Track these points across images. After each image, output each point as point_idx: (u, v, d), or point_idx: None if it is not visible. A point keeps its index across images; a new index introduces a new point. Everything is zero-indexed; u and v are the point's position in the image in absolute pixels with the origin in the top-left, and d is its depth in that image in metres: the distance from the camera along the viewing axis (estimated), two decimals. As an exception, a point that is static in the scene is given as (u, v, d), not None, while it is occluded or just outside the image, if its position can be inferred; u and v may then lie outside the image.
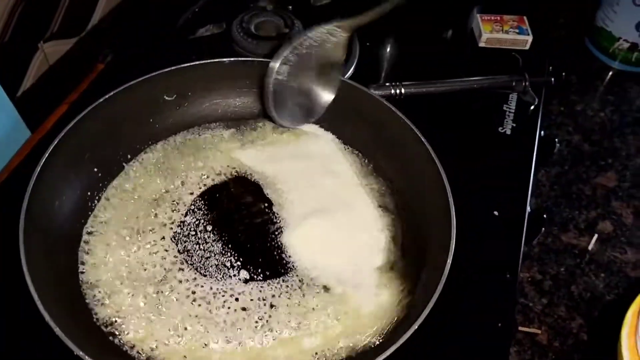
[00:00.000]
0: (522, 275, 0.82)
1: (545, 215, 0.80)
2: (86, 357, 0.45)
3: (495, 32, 0.94)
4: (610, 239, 0.86)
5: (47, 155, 0.58)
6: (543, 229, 0.79)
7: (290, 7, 0.95)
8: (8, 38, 0.86)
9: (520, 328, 0.76)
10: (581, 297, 0.80)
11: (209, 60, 0.68)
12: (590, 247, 0.85)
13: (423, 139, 0.63)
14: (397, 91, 0.81)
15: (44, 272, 0.52)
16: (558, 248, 0.85)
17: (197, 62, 0.67)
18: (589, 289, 0.81)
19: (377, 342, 0.54)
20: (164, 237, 0.61)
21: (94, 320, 0.54)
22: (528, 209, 0.74)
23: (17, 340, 0.55)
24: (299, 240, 0.61)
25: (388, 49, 0.96)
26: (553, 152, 0.88)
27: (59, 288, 0.54)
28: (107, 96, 0.63)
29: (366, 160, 0.70)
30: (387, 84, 0.82)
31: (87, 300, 0.55)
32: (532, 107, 0.83)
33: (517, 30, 0.94)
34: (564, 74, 0.93)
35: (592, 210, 0.90)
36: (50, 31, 0.95)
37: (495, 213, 0.72)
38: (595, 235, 0.86)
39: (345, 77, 0.85)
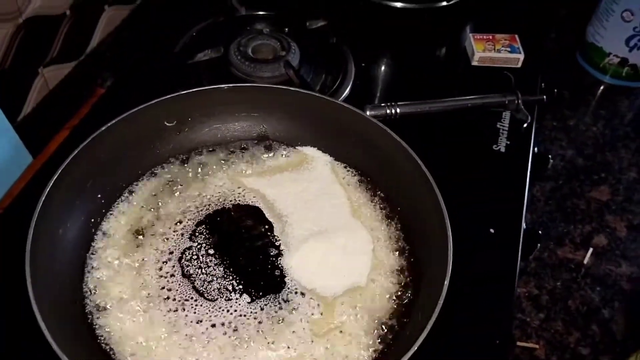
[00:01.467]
0: (519, 290, 0.83)
1: (540, 232, 0.82)
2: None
3: (488, 51, 0.96)
4: (605, 253, 0.88)
5: (51, 183, 0.59)
6: (539, 245, 0.80)
7: (287, 29, 0.97)
8: (9, 65, 0.87)
9: (518, 343, 0.77)
10: (578, 311, 0.82)
11: (207, 87, 0.69)
12: (585, 261, 0.86)
13: (417, 159, 0.64)
14: (393, 111, 0.83)
15: (49, 296, 0.53)
16: (554, 263, 0.86)
17: (196, 89, 0.69)
18: (586, 302, 0.83)
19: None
20: (167, 261, 0.62)
21: (98, 341, 0.56)
22: (523, 225, 0.75)
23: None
24: (298, 263, 0.62)
25: (382, 69, 0.98)
26: (547, 168, 0.90)
27: (64, 311, 0.55)
28: (109, 124, 0.64)
29: (364, 181, 0.71)
30: (382, 104, 0.83)
31: (90, 321, 0.57)
32: (525, 125, 0.85)
33: (509, 49, 0.96)
34: (556, 90, 0.95)
35: (586, 224, 0.91)
36: (50, 56, 0.96)
37: (492, 230, 0.73)
38: (590, 249, 0.87)
39: (341, 97, 0.87)
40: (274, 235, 0.65)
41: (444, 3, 1.06)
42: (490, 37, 0.98)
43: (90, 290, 0.59)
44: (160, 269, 0.61)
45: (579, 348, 0.78)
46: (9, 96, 0.89)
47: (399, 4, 1.04)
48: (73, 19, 0.98)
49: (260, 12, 0.98)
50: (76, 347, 0.50)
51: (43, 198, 0.57)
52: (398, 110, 0.83)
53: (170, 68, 0.87)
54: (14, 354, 0.58)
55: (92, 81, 1.01)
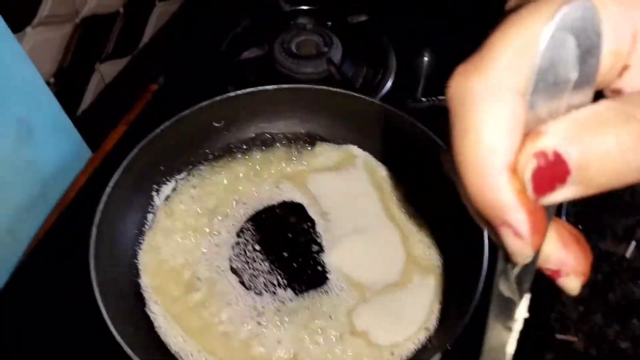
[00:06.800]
0: (559, 282, 0.84)
1: (580, 226, 0.82)
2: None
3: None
4: (648, 246, 0.87)
5: (112, 183, 0.63)
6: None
7: (329, 23, 0.98)
8: (68, 63, 0.93)
9: (556, 336, 0.79)
10: (618, 304, 0.82)
11: (254, 89, 0.72)
12: (628, 255, 0.86)
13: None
14: (434, 104, 0.84)
15: (111, 288, 0.59)
16: (595, 255, 0.86)
17: (243, 91, 0.72)
18: (626, 296, 0.83)
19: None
20: (216, 256, 0.66)
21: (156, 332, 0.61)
22: (564, 219, 0.76)
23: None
24: (338, 259, 0.65)
25: (425, 60, 0.98)
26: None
27: (124, 303, 0.60)
28: (163, 126, 0.68)
29: (403, 181, 0.73)
30: (424, 99, 0.85)
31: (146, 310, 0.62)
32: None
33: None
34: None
35: (630, 216, 0.90)
36: (105, 52, 1.01)
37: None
38: (633, 243, 0.87)
39: (383, 92, 0.88)
40: (317, 232, 0.68)
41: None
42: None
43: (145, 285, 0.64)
44: (211, 264, 0.65)
45: (618, 341, 0.79)
46: (69, 93, 0.95)
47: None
48: (126, 16, 1.02)
49: (303, 7, 1.00)
50: (137, 341, 0.55)
51: (105, 198, 0.62)
52: (439, 104, 0.85)
53: (217, 66, 0.91)
54: (80, 348, 0.63)
55: (144, 76, 1.06)
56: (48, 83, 0.88)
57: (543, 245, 0.25)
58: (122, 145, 0.85)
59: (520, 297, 0.28)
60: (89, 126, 0.93)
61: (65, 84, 0.93)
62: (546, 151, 0.22)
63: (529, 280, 0.27)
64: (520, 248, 0.24)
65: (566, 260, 0.27)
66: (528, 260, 0.25)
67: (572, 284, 0.28)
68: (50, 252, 0.71)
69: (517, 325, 0.29)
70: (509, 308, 0.28)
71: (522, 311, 0.29)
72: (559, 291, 0.79)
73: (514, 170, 0.22)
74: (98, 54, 1.00)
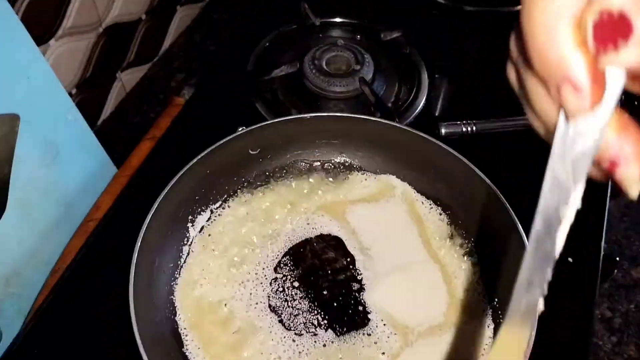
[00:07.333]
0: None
1: (617, 258, 0.81)
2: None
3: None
4: (681, 274, 0.86)
5: (149, 217, 0.61)
6: (615, 271, 0.79)
7: (359, 37, 0.96)
8: (90, 72, 0.90)
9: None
10: (652, 335, 0.81)
11: (290, 117, 0.70)
12: (662, 283, 0.85)
13: (495, 189, 0.64)
14: (469, 129, 0.82)
15: (149, 328, 0.57)
16: (628, 284, 0.86)
17: (280, 119, 0.70)
18: (660, 326, 0.82)
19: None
20: (254, 294, 0.65)
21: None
22: (602, 252, 0.75)
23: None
24: (380, 298, 0.64)
25: (457, 80, 0.96)
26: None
27: (162, 344, 0.59)
28: (200, 156, 0.66)
29: (443, 213, 0.71)
30: (458, 122, 0.83)
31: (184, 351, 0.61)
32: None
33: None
34: (637, 102, 0.92)
35: (664, 244, 0.89)
36: (127, 60, 0.99)
37: (570, 260, 0.73)
38: (667, 271, 0.86)
39: (416, 111, 0.86)
40: (356, 269, 0.67)
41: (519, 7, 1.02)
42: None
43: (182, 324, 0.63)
44: (248, 301, 0.64)
45: (652, 374, 0.78)
46: (90, 104, 0.93)
47: (472, 8, 1.02)
48: (149, 23, 1.00)
49: (334, 20, 0.97)
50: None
51: (142, 232, 0.60)
52: (474, 128, 0.83)
53: (245, 81, 0.88)
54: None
55: (165, 83, 1.03)
56: (70, 94, 0.85)
57: (604, 132, 0.26)
58: (149, 163, 0.83)
59: (575, 183, 0.28)
60: (110, 137, 0.91)
61: (87, 95, 0.91)
62: (612, 10, 0.23)
63: (585, 166, 0.27)
64: (579, 102, 0.26)
65: (626, 144, 0.27)
66: (587, 113, 0.26)
67: (631, 173, 0.27)
68: (80, 278, 0.69)
69: (569, 214, 0.29)
70: (562, 193, 0.29)
71: (575, 199, 0.29)
72: (592, 318, 0.76)
73: (579, 25, 0.25)
74: (120, 61, 0.97)
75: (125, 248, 0.60)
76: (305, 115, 0.70)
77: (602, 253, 0.74)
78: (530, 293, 0.31)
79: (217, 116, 0.86)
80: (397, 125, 0.71)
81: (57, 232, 0.78)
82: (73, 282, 0.68)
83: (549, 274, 0.30)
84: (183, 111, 0.87)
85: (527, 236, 0.32)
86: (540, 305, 0.31)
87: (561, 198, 0.29)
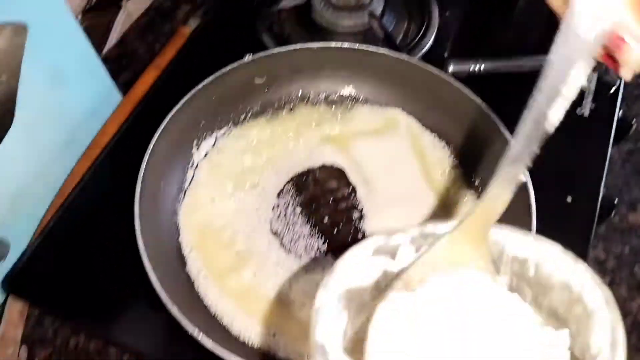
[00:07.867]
0: (586, 254, 0.84)
1: (616, 201, 0.81)
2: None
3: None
4: (678, 221, 0.87)
5: (154, 141, 0.62)
6: (613, 213, 0.80)
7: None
8: (95, 0, 0.89)
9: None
10: (644, 278, 0.83)
11: (297, 46, 0.70)
12: (658, 229, 0.86)
13: (503, 129, 0.64)
14: (477, 67, 0.82)
15: (155, 247, 0.58)
16: (624, 227, 0.87)
17: (286, 48, 0.70)
18: (653, 270, 0.83)
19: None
20: (256, 218, 0.66)
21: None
22: (601, 194, 0.75)
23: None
24: (380, 227, 0.65)
25: (468, 18, 0.94)
26: (628, 134, 0.87)
27: (167, 263, 0.60)
28: (205, 82, 0.66)
29: (447, 147, 0.72)
30: (466, 60, 0.82)
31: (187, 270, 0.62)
32: (612, 89, 0.82)
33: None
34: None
35: (662, 191, 0.90)
36: (133, -12, 0.97)
37: (568, 199, 0.74)
38: (664, 217, 0.87)
39: (425, 49, 0.85)
40: (357, 198, 0.68)
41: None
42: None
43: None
44: (251, 224, 0.65)
45: (641, 315, 0.80)
46: (95, 31, 0.92)
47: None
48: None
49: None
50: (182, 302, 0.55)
51: (147, 156, 0.61)
52: (482, 67, 0.82)
53: (253, 13, 0.87)
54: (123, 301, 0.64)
55: (172, 14, 1.02)
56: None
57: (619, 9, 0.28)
58: (154, 91, 0.82)
59: (577, 60, 0.31)
60: (115, 67, 0.91)
61: (92, 23, 0.90)
62: None
63: (590, 42, 0.30)
64: None
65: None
66: None
67: (635, 54, 0.30)
68: (85, 201, 0.71)
69: (571, 90, 0.32)
70: (565, 69, 0.31)
71: (576, 78, 0.32)
72: (585, 258, 0.76)
73: None
74: (125, -10, 0.96)
75: (131, 171, 0.61)
76: (312, 45, 0.70)
77: (601, 195, 0.75)
78: (516, 166, 0.35)
79: (223, 47, 0.84)
80: (406, 58, 0.70)
81: (63, 155, 0.78)
82: (80, 202, 0.69)
83: (537, 149, 0.34)
84: (189, 41, 0.86)
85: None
86: (522, 177, 0.36)
87: (562, 75, 0.31)
